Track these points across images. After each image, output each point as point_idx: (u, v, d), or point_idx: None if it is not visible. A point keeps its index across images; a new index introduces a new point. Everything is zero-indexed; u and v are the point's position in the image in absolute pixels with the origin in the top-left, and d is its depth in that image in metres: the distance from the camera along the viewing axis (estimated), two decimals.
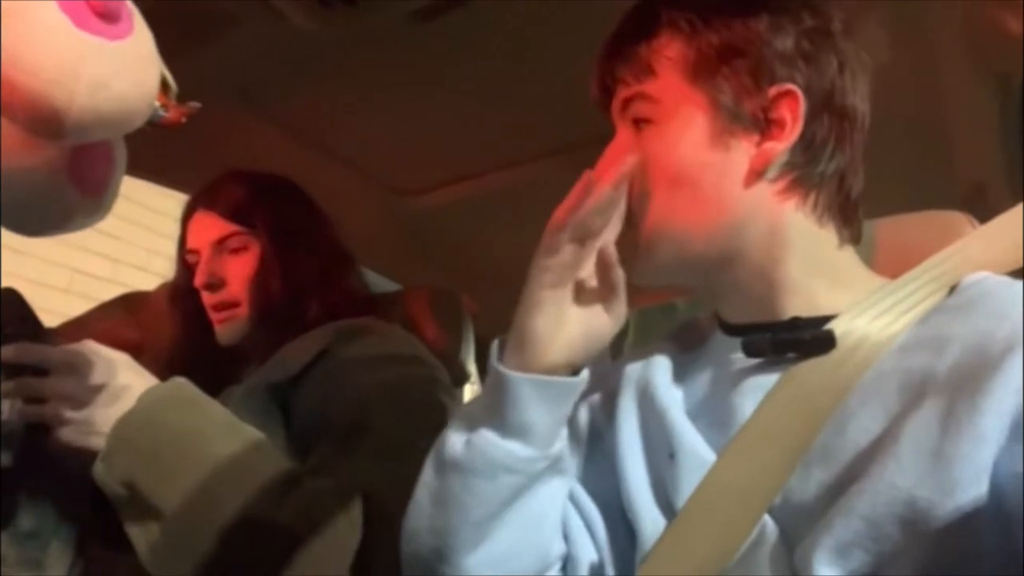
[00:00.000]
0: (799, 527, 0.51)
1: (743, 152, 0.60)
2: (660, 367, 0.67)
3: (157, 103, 0.57)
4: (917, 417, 0.48)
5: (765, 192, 0.61)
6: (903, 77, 0.65)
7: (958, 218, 0.75)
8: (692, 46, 0.61)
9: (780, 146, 0.59)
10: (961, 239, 0.62)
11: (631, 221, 0.63)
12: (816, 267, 0.61)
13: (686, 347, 0.69)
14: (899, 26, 0.66)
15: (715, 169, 0.60)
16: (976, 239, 0.62)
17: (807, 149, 0.60)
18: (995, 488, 0.44)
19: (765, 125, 0.60)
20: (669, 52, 0.61)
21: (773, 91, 0.59)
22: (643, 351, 0.70)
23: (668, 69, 0.61)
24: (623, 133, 0.65)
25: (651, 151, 0.62)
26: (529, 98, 1.12)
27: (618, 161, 0.62)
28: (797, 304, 0.61)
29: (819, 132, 0.60)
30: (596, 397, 0.71)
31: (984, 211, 0.68)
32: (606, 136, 1.19)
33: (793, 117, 0.59)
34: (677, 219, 0.61)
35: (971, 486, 0.44)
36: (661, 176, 0.61)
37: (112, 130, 0.52)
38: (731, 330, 0.66)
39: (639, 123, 0.63)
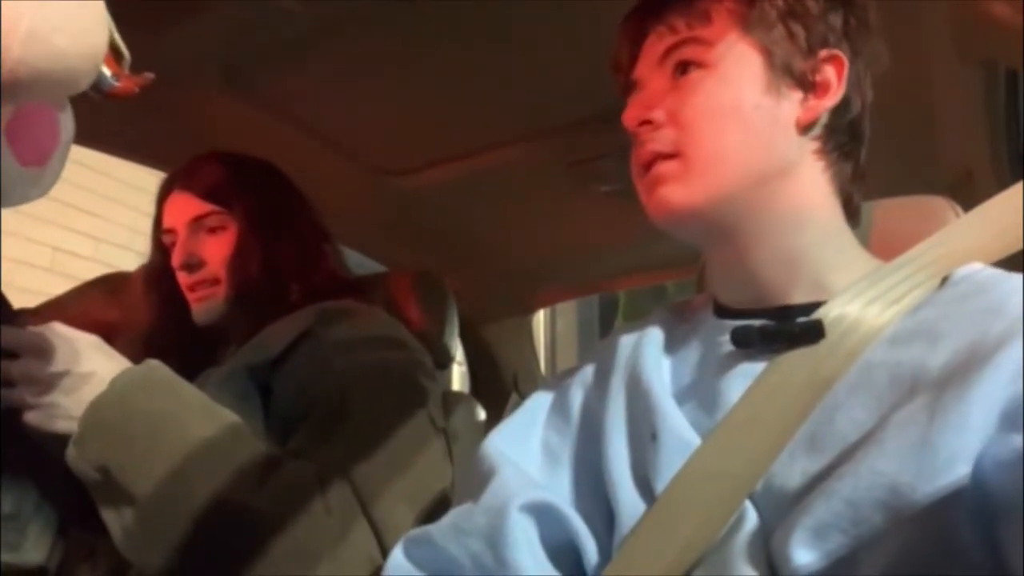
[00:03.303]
0: (779, 514, 0.51)
1: (792, 104, 0.63)
2: (650, 347, 0.66)
3: (108, 71, 0.55)
4: (906, 409, 0.49)
5: (806, 148, 0.63)
6: (890, 63, 0.66)
7: (940, 204, 0.75)
8: (754, 4, 0.63)
9: (825, 104, 0.63)
10: (946, 227, 0.62)
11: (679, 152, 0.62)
12: (827, 238, 0.63)
13: (678, 328, 0.69)
14: (885, 13, 0.66)
15: (767, 113, 0.62)
16: (960, 227, 0.62)
17: (843, 117, 0.64)
18: (980, 477, 0.44)
19: (811, 85, 0.63)
20: (729, 4, 0.63)
21: (823, 54, 0.63)
22: (636, 328, 0.70)
23: (724, 18, 0.63)
24: (659, 81, 0.65)
25: (699, 92, 0.63)
26: (515, 79, 1.11)
27: (655, 105, 0.63)
28: (801, 277, 0.62)
29: (854, 104, 0.64)
30: (590, 376, 0.70)
31: (971, 196, 0.68)
32: (591, 118, 1.20)
33: (838, 80, 0.63)
34: (728, 152, 0.62)
35: (952, 473, 0.44)
36: (713, 113, 0.62)
37: (51, 89, 0.50)
38: (724, 313, 0.66)
39: (685, 67, 0.64)
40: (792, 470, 0.52)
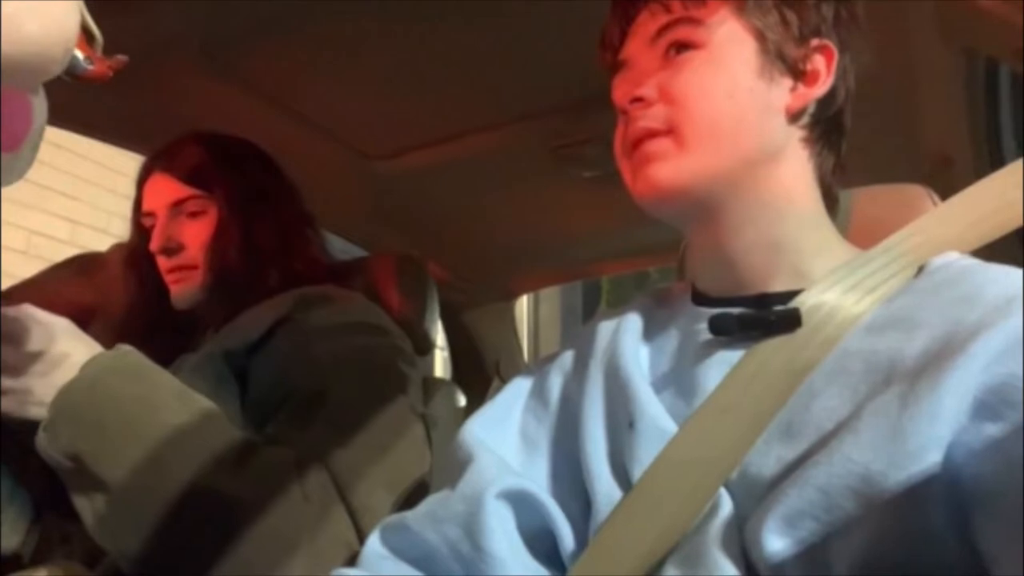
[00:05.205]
0: (754, 502, 0.51)
1: (783, 90, 0.63)
2: (629, 334, 0.66)
3: (80, 54, 0.54)
4: (880, 398, 0.49)
5: (793, 136, 0.64)
6: (872, 50, 0.66)
7: (918, 192, 0.76)
8: None
9: (814, 93, 0.63)
10: (923, 216, 0.62)
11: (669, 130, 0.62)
12: (808, 226, 0.63)
13: (658, 314, 0.69)
14: (869, 1, 0.66)
15: (759, 97, 0.62)
16: (938, 216, 0.62)
17: (829, 108, 0.65)
18: (952, 466, 0.44)
19: (801, 73, 0.63)
20: None
21: (815, 43, 0.63)
22: (614, 315, 0.70)
23: (720, 1, 0.63)
24: (651, 59, 0.65)
25: (693, 71, 0.62)
26: (499, 63, 1.10)
27: (647, 83, 0.63)
28: (781, 264, 0.62)
29: (839, 96, 0.65)
30: (569, 362, 0.70)
31: (950, 184, 0.69)
32: (575, 103, 1.19)
33: (827, 70, 0.64)
34: (721, 131, 0.61)
35: (923, 461, 0.45)
36: (707, 92, 0.62)
37: (23, 77, 0.49)
38: (702, 300, 0.66)
39: (677, 48, 0.63)
40: (767, 458, 0.52)
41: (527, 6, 0.98)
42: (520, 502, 0.61)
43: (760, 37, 0.62)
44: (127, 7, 0.88)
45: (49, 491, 0.81)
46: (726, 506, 0.53)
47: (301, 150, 1.27)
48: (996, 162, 1.00)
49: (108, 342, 0.81)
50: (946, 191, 0.66)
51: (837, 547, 0.46)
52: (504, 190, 1.49)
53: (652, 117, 0.62)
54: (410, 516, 0.64)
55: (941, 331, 0.50)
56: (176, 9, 0.97)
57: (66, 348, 0.76)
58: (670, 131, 0.62)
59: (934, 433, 0.45)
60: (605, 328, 0.69)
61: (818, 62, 0.63)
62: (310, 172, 1.17)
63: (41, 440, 0.75)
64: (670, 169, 0.61)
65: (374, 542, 0.65)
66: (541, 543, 0.61)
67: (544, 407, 0.68)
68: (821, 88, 0.63)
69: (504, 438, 0.67)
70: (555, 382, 0.69)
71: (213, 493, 0.76)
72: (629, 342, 0.65)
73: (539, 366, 0.73)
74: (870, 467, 0.46)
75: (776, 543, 0.48)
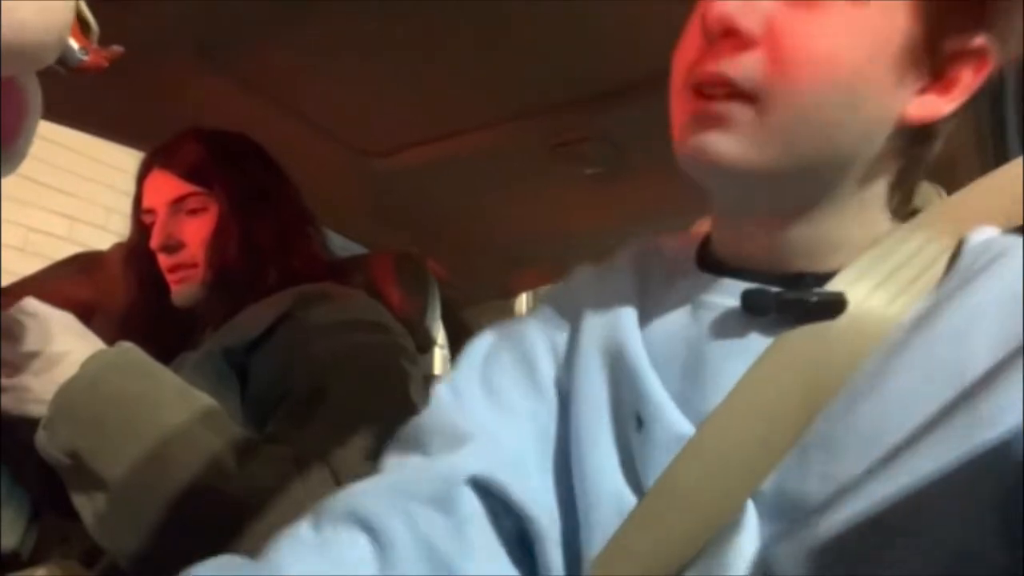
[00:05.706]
0: (787, 522, 0.44)
1: (907, 92, 0.48)
2: (628, 312, 0.57)
3: (76, 45, 0.54)
4: (938, 406, 0.42)
5: (890, 148, 0.50)
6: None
7: (925, 188, 0.75)
8: None
9: (942, 108, 0.49)
10: (953, 195, 0.56)
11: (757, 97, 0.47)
12: (867, 226, 0.52)
13: (653, 282, 0.60)
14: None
15: (882, 91, 0.47)
16: (966, 194, 0.56)
17: (945, 126, 0.51)
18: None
19: (940, 76, 0.49)
20: None
21: (978, 42, 0.48)
22: (601, 282, 0.61)
23: None
24: None
25: (826, 26, 0.46)
26: (499, 59, 1.10)
27: (754, 11, 0.46)
28: (826, 255, 0.52)
29: (956, 117, 0.51)
30: (560, 339, 0.61)
31: (954, 185, 0.68)
32: (575, 100, 1.19)
33: (972, 81, 0.49)
34: (815, 122, 0.47)
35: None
36: (827, 58, 0.46)
37: (15, 65, 0.48)
38: (716, 268, 0.56)
39: None
40: (807, 472, 0.45)
41: (527, 5, 0.97)
42: (488, 486, 0.52)
43: (917, 13, 0.46)
44: (126, 5, 0.88)
45: (48, 490, 0.81)
46: (751, 523, 0.45)
47: (300, 147, 1.26)
48: (1001, 161, 1.00)
49: (108, 340, 0.81)
50: (950, 190, 0.65)
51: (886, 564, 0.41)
52: (503, 188, 1.49)
53: (741, 67, 0.46)
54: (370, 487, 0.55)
55: (1000, 327, 0.43)
56: (174, 7, 0.97)
57: (64, 346, 0.76)
58: (755, 98, 0.47)
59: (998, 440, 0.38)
60: (596, 308, 0.59)
61: (965, 71, 0.48)
62: (309, 169, 1.17)
63: (41, 438, 0.74)
64: (732, 147, 0.48)
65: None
66: (508, 531, 0.53)
67: (537, 387, 0.59)
68: (953, 103, 0.49)
69: (475, 401, 0.59)
70: (544, 355, 0.60)
71: (213, 491, 0.76)
72: (629, 321, 0.56)
73: (515, 324, 0.64)
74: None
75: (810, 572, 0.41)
